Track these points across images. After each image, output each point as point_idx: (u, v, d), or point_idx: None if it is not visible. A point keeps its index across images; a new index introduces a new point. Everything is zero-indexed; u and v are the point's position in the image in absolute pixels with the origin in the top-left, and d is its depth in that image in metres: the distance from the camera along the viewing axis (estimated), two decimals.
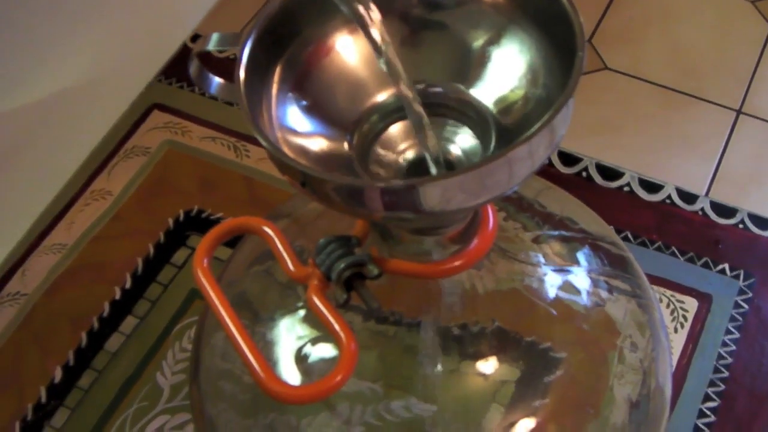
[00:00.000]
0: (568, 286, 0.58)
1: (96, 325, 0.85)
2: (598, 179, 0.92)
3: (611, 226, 0.87)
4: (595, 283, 0.59)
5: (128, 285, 0.87)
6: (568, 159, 0.93)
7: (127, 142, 0.97)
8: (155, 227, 0.91)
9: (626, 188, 0.91)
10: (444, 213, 0.38)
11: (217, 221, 0.90)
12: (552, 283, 0.57)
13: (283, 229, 0.50)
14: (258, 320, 0.59)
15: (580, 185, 0.91)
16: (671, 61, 1.02)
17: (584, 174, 0.92)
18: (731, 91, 0.99)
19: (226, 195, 0.93)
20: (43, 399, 0.81)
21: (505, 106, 0.44)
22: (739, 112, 0.97)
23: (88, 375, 0.82)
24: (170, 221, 0.91)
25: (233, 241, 0.65)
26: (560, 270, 0.58)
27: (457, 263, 0.47)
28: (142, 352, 0.83)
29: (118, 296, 0.87)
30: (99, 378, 0.82)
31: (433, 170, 0.43)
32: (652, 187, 0.91)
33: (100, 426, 0.80)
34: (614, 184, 0.92)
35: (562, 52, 0.41)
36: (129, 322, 0.85)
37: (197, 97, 1.00)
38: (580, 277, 0.59)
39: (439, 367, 0.59)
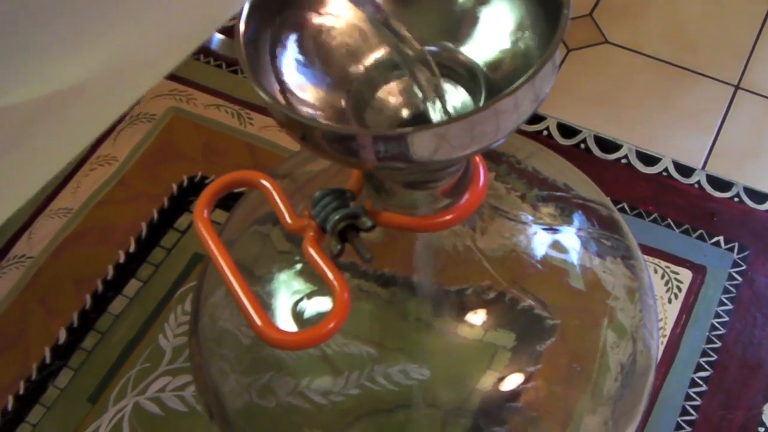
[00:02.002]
0: (559, 246, 0.59)
1: (100, 287, 0.86)
2: (596, 151, 0.93)
3: (608, 197, 0.88)
4: (585, 243, 0.61)
5: (132, 249, 0.89)
6: (567, 131, 0.94)
7: (133, 109, 0.98)
8: (159, 192, 0.92)
9: (624, 160, 0.92)
10: (434, 163, 0.40)
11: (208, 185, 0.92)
12: (543, 242, 0.58)
13: (281, 188, 0.51)
14: (254, 280, 0.60)
15: (578, 157, 0.92)
16: (671, 35, 1.03)
17: (582, 146, 0.93)
18: (730, 66, 1.00)
19: (229, 161, 0.94)
20: (48, 359, 0.83)
21: (495, 63, 0.45)
22: (737, 87, 0.98)
23: (91, 336, 0.84)
24: (174, 187, 0.92)
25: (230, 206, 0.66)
26: (551, 229, 0.59)
27: (448, 217, 0.48)
28: (144, 314, 0.85)
29: (122, 260, 0.88)
30: (102, 339, 0.84)
31: (435, 117, 0.45)
32: (650, 159, 0.92)
33: (103, 386, 0.81)
34: (612, 157, 0.93)
35: (549, 10, 0.42)
36: (132, 285, 0.87)
37: (202, 65, 1.01)
38: (571, 237, 0.60)
39: (433, 330, 0.60)
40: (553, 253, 0.58)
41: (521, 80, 0.38)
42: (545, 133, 0.94)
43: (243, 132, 0.96)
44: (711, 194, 0.90)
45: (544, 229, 0.59)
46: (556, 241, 0.59)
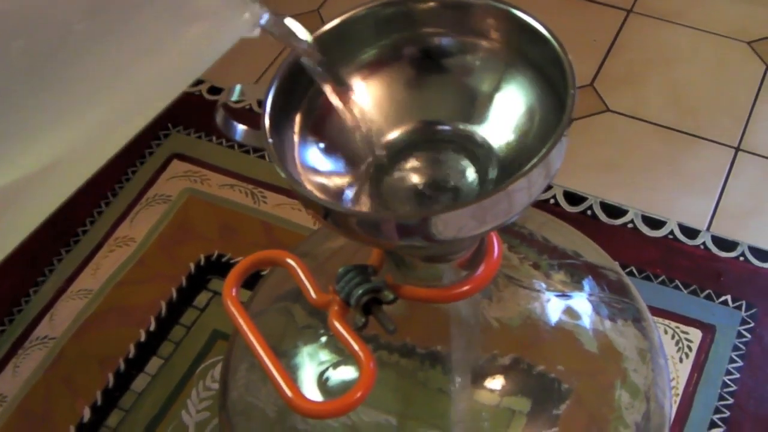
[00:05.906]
0: (571, 311, 0.61)
1: (122, 366, 0.88)
2: (602, 217, 0.95)
3: (616, 261, 0.90)
4: (596, 307, 0.62)
5: (153, 327, 0.90)
6: (573, 198, 0.96)
7: (149, 191, 1.00)
8: (177, 272, 0.94)
9: (630, 225, 0.94)
10: (452, 240, 0.42)
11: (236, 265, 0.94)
12: (556, 308, 0.60)
13: (305, 266, 0.53)
14: (279, 354, 0.61)
15: (585, 223, 0.94)
16: (671, 101, 1.05)
17: (589, 212, 0.95)
18: (729, 129, 1.02)
19: (244, 239, 0.96)
20: None
21: (506, 141, 0.47)
22: (737, 149, 1.00)
23: (115, 414, 0.85)
24: (191, 266, 0.94)
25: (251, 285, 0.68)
26: (563, 295, 0.61)
27: (465, 288, 0.50)
28: (167, 391, 0.86)
29: (143, 338, 0.90)
30: (126, 417, 0.85)
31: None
32: (655, 223, 0.94)
33: None
34: (618, 222, 0.95)
35: (557, 92, 0.44)
36: (154, 363, 0.88)
37: (215, 146, 1.04)
38: (583, 302, 0.62)
39: (451, 397, 0.62)
40: (566, 319, 0.60)
41: (534, 160, 0.41)
42: (552, 201, 0.96)
43: (257, 210, 0.98)
44: (717, 254, 0.92)
45: (557, 295, 0.61)
46: (569, 306, 0.61)
